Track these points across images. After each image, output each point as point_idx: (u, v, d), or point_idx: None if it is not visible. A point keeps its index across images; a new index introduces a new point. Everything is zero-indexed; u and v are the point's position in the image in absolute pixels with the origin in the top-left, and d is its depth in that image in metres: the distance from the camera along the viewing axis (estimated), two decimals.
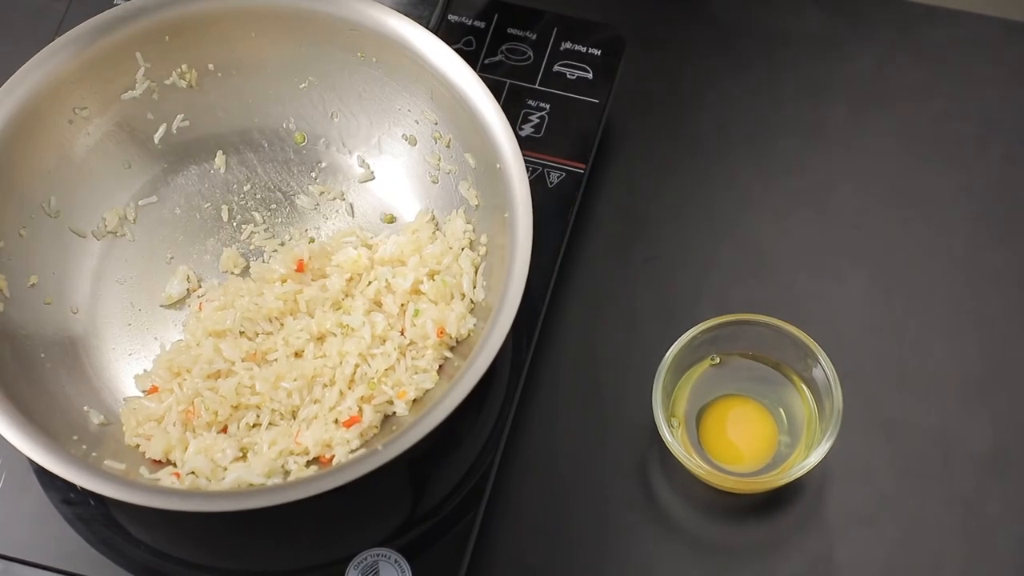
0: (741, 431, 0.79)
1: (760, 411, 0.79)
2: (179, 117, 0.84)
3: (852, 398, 0.79)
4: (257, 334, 0.80)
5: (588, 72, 0.86)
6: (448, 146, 0.82)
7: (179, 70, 0.83)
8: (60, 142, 0.81)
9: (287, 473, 0.76)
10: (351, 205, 0.84)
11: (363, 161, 0.85)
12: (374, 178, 0.85)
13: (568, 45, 0.87)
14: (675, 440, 0.77)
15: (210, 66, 0.84)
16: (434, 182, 0.83)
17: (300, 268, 0.81)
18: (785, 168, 0.87)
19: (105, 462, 0.74)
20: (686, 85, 0.89)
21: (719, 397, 0.80)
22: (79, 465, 0.72)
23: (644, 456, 0.80)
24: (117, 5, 0.82)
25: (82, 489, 0.73)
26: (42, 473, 0.78)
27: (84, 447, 0.75)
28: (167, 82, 0.83)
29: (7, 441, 0.73)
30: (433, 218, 0.83)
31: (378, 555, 0.76)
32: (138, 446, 0.77)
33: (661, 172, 0.87)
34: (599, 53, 0.87)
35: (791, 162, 0.87)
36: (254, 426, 0.78)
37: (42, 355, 0.78)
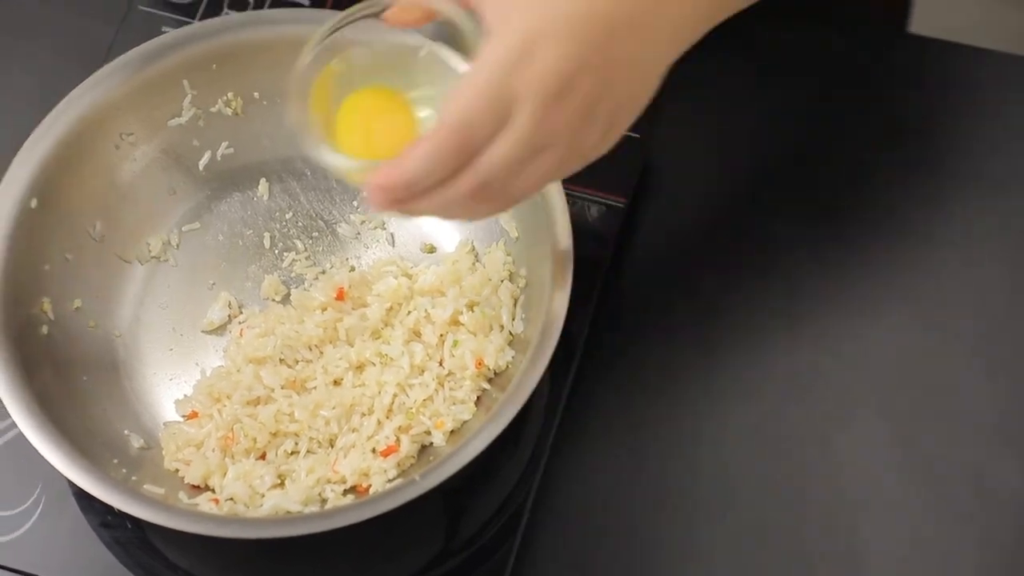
0: (371, 121, 0.70)
1: (386, 95, 0.70)
2: (224, 144, 0.85)
3: (888, 436, 0.79)
4: (297, 362, 0.80)
5: None
6: None
7: (225, 98, 0.84)
8: (107, 167, 0.82)
9: (324, 501, 0.76)
10: (392, 235, 0.85)
11: None
12: None
13: None
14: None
15: (255, 94, 0.84)
16: None
17: (340, 296, 0.81)
18: (824, 205, 0.87)
19: (144, 486, 0.75)
20: (728, 121, 0.89)
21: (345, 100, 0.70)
22: (120, 489, 0.72)
23: (680, 494, 0.80)
24: (166, 33, 0.83)
25: (119, 512, 0.74)
26: (81, 496, 0.78)
27: (124, 471, 0.76)
28: (213, 109, 0.84)
29: (48, 463, 0.73)
30: (473, 249, 0.83)
31: None
32: (177, 471, 0.78)
33: (702, 208, 0.87)
34: None
35: (831, 199, 0.87)
36: (292, 453, 0.78)
37: (85, 378, 0.79)
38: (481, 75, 0.64)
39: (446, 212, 0.67)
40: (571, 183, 0.84)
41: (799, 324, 0.83)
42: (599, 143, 0.68)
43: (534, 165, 0.66)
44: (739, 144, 0.88)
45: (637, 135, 0.86)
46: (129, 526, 0.78)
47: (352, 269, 0.84)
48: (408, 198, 0.66)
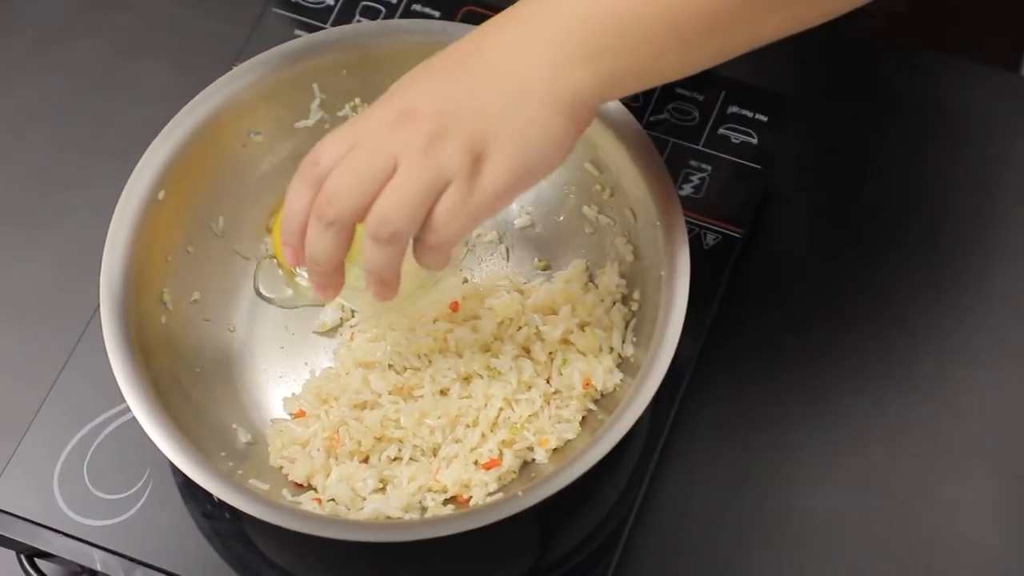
0: None
1: None
2: None
3: (999, 496, 0.77)
4: (405, 369, 0.81)
5: (753, 138, 0.86)
6: (609, 198, 0.82)
7: (352, 103, 0.85)
8: (233, 165, 0.83)
9: (424, 509, 0.77)
10: (507, 249, 0.85)
11: (522, 207, 0.86)
12: (532, 224, 0.86)
13: (735, 109, 0.87)
14: None
15: None
16: (591, 233, 0.84)
17: (454, 308, 0.82)
18: (947, 251, 0.86)
19: (250, 480, 0.76)
20: (851, 159, 0.88)
21: None
22: (227, 482, 0.73)
23: (780, 533, 0.80)
24: (299, 36, 0.84)
25: (220, 504, 0.75)
26: (186, 485, 0.79)
27: (230, 464, 0.77)
28: (340, 114, 0.85)
29: (158, 451, 0.74)
30: (587, 269, 0.83)
31: None
32: (281, 468, 0.79)
33: (818, 243, 0.87)
34: (765, 120, 0.87)
35: (953, 245, 0.86)
36: (395, 459, 0.79)
37: (198, 370, 0.80)
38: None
39: (327, 249, 0.70)
40: (690, 210, 0.84)
41: (916, 372, 0.82)
42: (466, 163, 0.68)
43: (392, 184, 0.68)
44: (859, 181, 0.88)
45: (758, 166, 0.86)
46: (228, 518, 0.79)
47: (465, 281, 0.84)
48: (296, 242, 0.71)
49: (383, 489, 0.78)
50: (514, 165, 0.69)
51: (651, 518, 0.80)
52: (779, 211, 0.87)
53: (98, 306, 0.77)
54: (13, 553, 0.80)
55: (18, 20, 0.95)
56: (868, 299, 0.84)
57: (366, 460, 0.79)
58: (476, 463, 0.78)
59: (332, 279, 0.72)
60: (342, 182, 0.69)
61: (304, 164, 0.71)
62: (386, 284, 0.71)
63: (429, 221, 0.69)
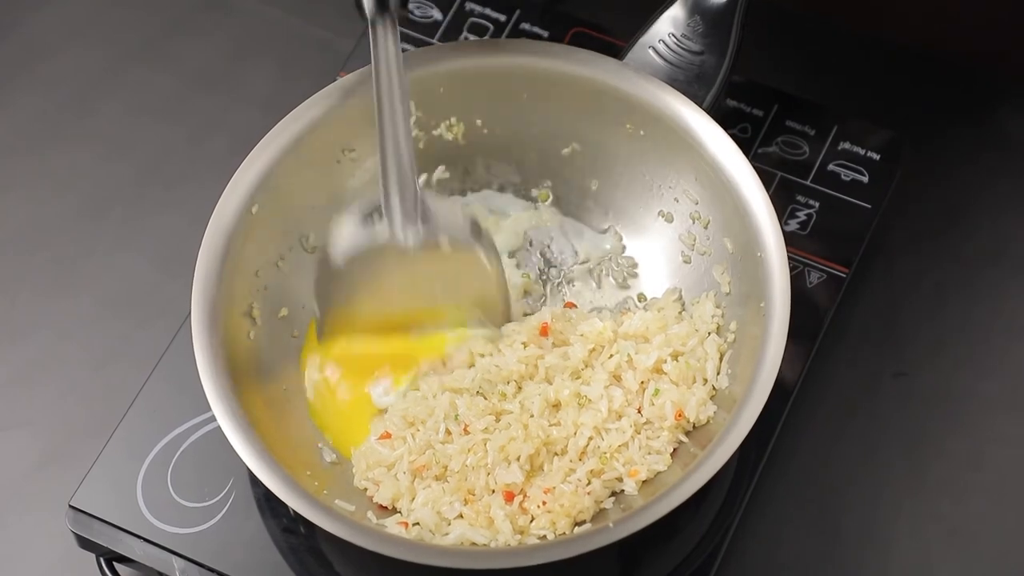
0: None
1: None
2: (440, 168, 0.85)
3: None
4: (493, 394, 0.79)
5: (864, 175, 0.85)
6: (706, 228, 0.81)
7: (448, 122, 0.84)
8: (327, 180, 0.82)
9: None
10: (599, 275, 0.84)
11: (615, 232, 0.84)
12: (624, 251, 0.84)
13: (846, 145, 0.85)
14: None
15: (478, 121, 0.84)
16: (686, 262, 0.82)
17: (544, 332, 0.80)
18: None
19: (336, 501, 0.75)
20: (965, 205, 0.87)
21: None
22: (318, 504, 0.71)
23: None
24: (405, 52, 0.83)
25: (297, 519, 0.74)
26: (267, 499, 0.78)
27: (315, 483, 0.76)
28: (434, 132, 0.84)
29: (242, 466, 0.73)
30: (680, 298, 0.82)
31: None
32: (366, 490, 0.77)
33: (926, 289, 0.85)
34: (878, 158, 0.85)
35: None
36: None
37: (284, 388, 0.79)
38: None
39: None
40: (795, 246, 0.82)
41: (1019, 421, 0.80)
42: None
43: None
44: (973, 225, 0.86)
45: (868, 205, 0.84)
46: (304, 534, 0.78)
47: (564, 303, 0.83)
48: None
49: None
50: None
51: (739, 558, 0.78)
52: (888, 252, 0.85)
53: (189, 313, 0.76)
54: (93, 556, 0.79)
55: (127, 18, 0.95)
56: (976, 348, 0.82)
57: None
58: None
59: None
60: None
61: None
62: None
63: None
